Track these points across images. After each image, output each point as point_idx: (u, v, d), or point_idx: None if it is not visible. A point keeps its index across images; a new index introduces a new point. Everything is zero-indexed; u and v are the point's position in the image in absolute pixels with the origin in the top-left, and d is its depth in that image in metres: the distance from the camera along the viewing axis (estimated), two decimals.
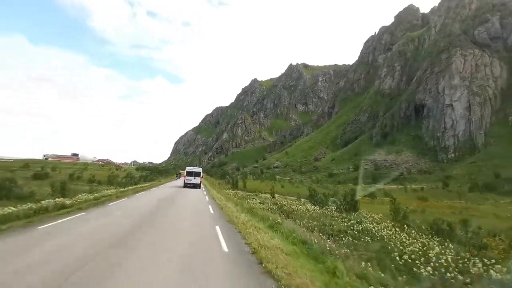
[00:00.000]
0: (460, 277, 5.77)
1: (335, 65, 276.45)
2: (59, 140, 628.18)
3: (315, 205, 14.24)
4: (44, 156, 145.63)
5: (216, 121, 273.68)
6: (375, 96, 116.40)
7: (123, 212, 11.88)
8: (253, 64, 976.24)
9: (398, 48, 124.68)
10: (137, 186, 26.77)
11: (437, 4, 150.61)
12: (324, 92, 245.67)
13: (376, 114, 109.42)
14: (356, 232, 10.54)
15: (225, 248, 6.98)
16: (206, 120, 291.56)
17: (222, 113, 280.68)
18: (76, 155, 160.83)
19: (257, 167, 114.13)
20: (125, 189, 21.31)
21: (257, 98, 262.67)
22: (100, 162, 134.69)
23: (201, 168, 36.32)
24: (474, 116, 74.79)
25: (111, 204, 13.87)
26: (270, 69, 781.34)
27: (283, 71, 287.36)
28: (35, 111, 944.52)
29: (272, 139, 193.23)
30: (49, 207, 10.14)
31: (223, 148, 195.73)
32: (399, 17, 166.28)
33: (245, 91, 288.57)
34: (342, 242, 8.83)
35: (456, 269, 6.44)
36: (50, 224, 8.38)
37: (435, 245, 8.60)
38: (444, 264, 6.62)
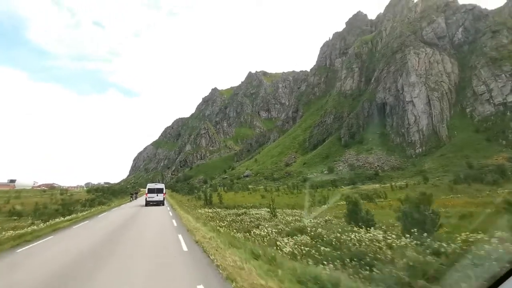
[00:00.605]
0: None
1: (293, 71, 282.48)
2: None
3: (359, 226, 8.95)
4: None
5: (177, 133, 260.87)
6: (338, 98, 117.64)
7: None
8: (212, 73, 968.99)
9: (354, 50, 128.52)
10: (72, 217, 19.32)
11: (382, 11, 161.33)
12: (285, 98, 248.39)
13: (341, 115, 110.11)
14: None
15: None
16: (167, 133, 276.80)
17: (183, 124, 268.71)
18: (14, 181, 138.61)
19: (226, 178, 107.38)
20: (48, 223, 14.22)
21: (219, 108, 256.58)
22: (43, 188, 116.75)
23: (163, 184, 33.92)
24: (435, 111, 77.34)
25: None
26: (230, 77, 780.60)
27: (242, 79, 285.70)
28: None
29: (238, 147, 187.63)
30: None
31: (187, 161, 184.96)
32: (350, 24, 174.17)
33: (206, 101, 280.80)
34: None
35: None
36: None
37: None
38: None
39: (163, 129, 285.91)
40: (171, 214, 19.72)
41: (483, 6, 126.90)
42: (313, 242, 7.38)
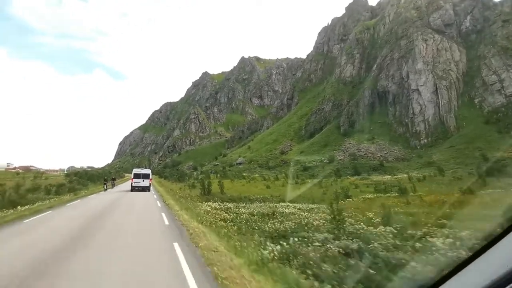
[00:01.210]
0: None
1: (287, 58, 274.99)
2: None
3: None
4: None
5: (166, 117, 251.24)
6: (337, 85, 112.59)
7: None
8: (202, 57, 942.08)
9: (355, 36, 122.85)
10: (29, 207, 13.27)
11: None
12: (278, 85, 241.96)
13: (340, 103, 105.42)
14: None
15: None
16: (154, 117, 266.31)
17: (172, 109, 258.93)
18: None
19: (217, 164, 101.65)
20: None
21: (209, 93, 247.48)
22: (18, 170, 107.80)
23: (150, 170, 32.74)
24: (442, 100, 73.40)
25: None
26: (221, 62, 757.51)
27: (235, 64, 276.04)
28: None
29: (230, 134, 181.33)
30: None
31: (175, 147, 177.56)
32: (350, 9, 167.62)
33: (196, 85, 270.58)
34: None
35: None
36: None
37: None
38: None
39: (151, 113, 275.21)
40: (163, 214, 12.57)
41: None
42: None
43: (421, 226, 9.22)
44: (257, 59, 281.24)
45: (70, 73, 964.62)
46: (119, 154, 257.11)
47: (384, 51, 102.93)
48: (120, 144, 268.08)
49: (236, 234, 7.78)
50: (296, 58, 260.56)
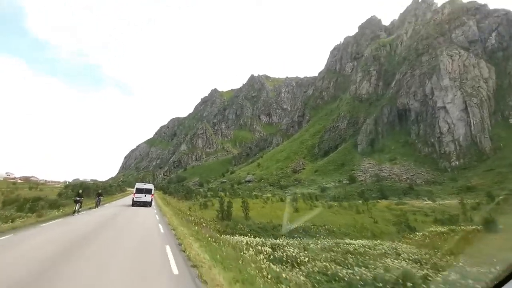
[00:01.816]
0: None
1: (297, 77, 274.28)
2: None
3: None
4: None
5: (173, 132, 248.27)
6: (353, 102, 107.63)
7: None
8: (212, 74, 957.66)
9: (371, 53, 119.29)
10: None
11: (397, 17, 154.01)
12: (287, 103, 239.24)
13: (356, 120, 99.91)
14: None
15: None
16: (162, 132, 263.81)
17: (179, 124, 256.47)
18: None
19: (225, 182, 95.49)
20: None
21: (218, 109, 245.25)
22: (18, 180, 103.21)
23: (152, 185, 31.99)
24: (474, 119, 67.27)
25: None
26: (231, 80, 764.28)
27: (244, 82, 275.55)
28: None
29: (237, 151, 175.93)
30: None
31: (181, 162, 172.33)
32: (363, 28, 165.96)
33: (205, 101, 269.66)
34: None
35: None
36: None
37: None
38: None
39: (158, 128, 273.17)
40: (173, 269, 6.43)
41: None
42: None
43: None
44: (266, 77, 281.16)
45: (83, 90, 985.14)
46: (124, 167, 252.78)
47: (403, 68, 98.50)
48: (125, 157, 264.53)
49: None
50: (305, 77, 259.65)
